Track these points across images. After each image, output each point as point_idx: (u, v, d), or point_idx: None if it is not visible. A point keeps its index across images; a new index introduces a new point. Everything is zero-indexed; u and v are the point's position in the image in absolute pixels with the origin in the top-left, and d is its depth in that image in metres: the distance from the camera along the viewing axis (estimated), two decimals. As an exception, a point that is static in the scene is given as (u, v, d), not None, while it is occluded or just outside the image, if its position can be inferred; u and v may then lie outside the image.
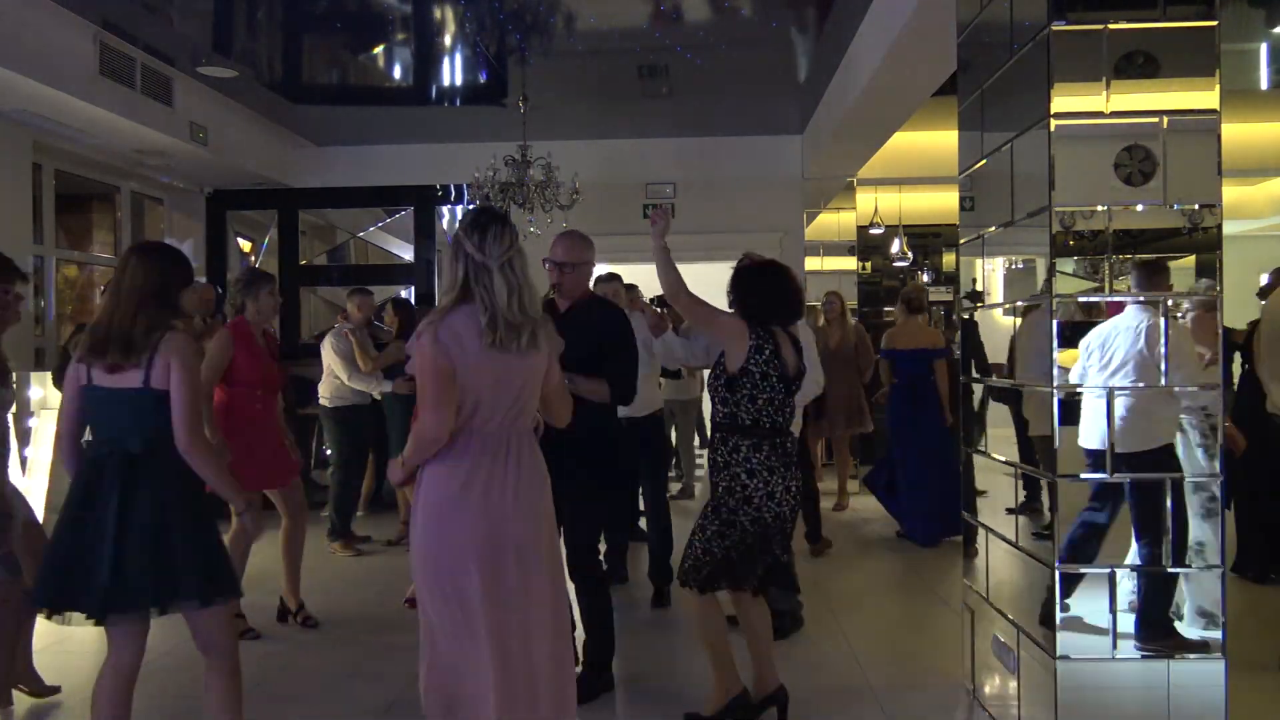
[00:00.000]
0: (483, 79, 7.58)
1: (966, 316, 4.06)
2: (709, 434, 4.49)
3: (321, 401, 6.51)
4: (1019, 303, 3.56)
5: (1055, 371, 3.07)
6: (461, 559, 2.59)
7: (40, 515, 4.50)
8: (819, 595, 5.38)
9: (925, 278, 11.58)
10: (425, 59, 7.22)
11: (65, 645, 4.48)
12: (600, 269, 4.60)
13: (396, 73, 7.56)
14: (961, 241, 4.00)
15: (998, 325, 3.78)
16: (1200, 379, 3.11)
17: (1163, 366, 3.06)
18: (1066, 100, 3.02)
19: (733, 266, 3.68)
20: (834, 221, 11.15)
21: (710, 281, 4.45)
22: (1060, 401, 3.07)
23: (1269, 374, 4.51)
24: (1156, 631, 3.07)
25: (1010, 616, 3.46)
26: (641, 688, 4.04)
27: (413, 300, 8.30)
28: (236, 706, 2.92)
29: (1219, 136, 3.01)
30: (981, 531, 3.79)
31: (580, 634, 3.92)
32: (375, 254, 11.15)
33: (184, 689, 3.87)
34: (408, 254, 9.53)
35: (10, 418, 3.71)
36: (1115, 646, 3.06)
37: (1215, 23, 3.02)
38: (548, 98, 7.73)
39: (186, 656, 3.35)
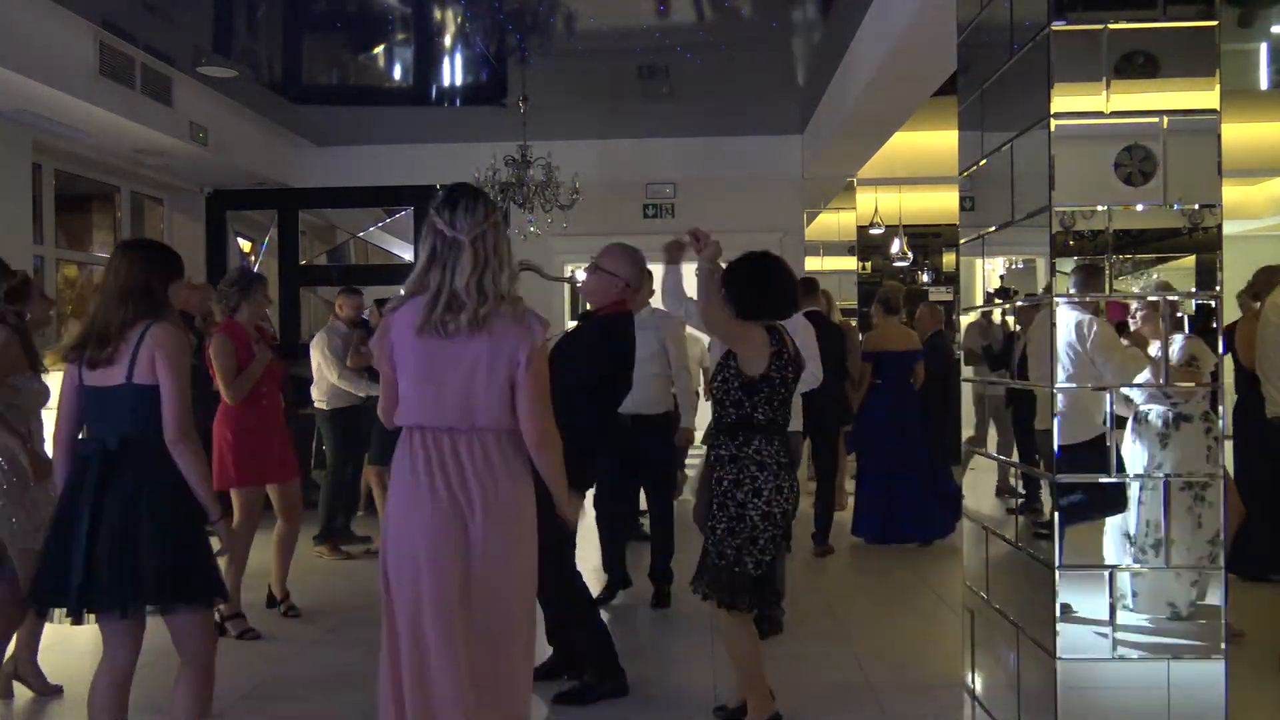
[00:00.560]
0: (483, 79, 7.58)
1: (1000, 316, 3.99)
2: (712, 431, 4.49)
3: (316, 404, 6.51)
4: (1019, 303, 3.56)
5: (1055, 372, 3.07)
6: (393, 559, 2.49)
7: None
8: (818, 595, 5.38)
9: (925, 278, 11.60)
10: (425, 59, 7.22)
11: (68, 645, 4.48)
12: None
13: (396, 73, 7.57)
14: (961, 241, 4.00)
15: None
16: (1132, 375, 3.13)
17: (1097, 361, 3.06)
18: (1066, 100, 3.02)
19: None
20: (834, 221, 11.15)
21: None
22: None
23: (1271, 373, 4.51)
24: None
25: (1010, 616, 3.46)
26: (643, 691, 4.03)
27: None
28: (199, 713, 2.85)
29: (1219, 136, 3.00)
30: (981, 531, 3.79)
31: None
32: (375, 254, 11.15)
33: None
34: (408, 254, 9.54)
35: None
36: (1115, 647, 3.06)
37: (1215, 23, 3.02)
38: (548, 98, 7.73)
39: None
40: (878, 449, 6.73)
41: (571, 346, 3.80)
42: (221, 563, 2.98)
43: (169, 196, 8.75)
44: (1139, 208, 3.04)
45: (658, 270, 4.35)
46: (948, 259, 11.64)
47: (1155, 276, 3.15)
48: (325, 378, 6.35)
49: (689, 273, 3.73)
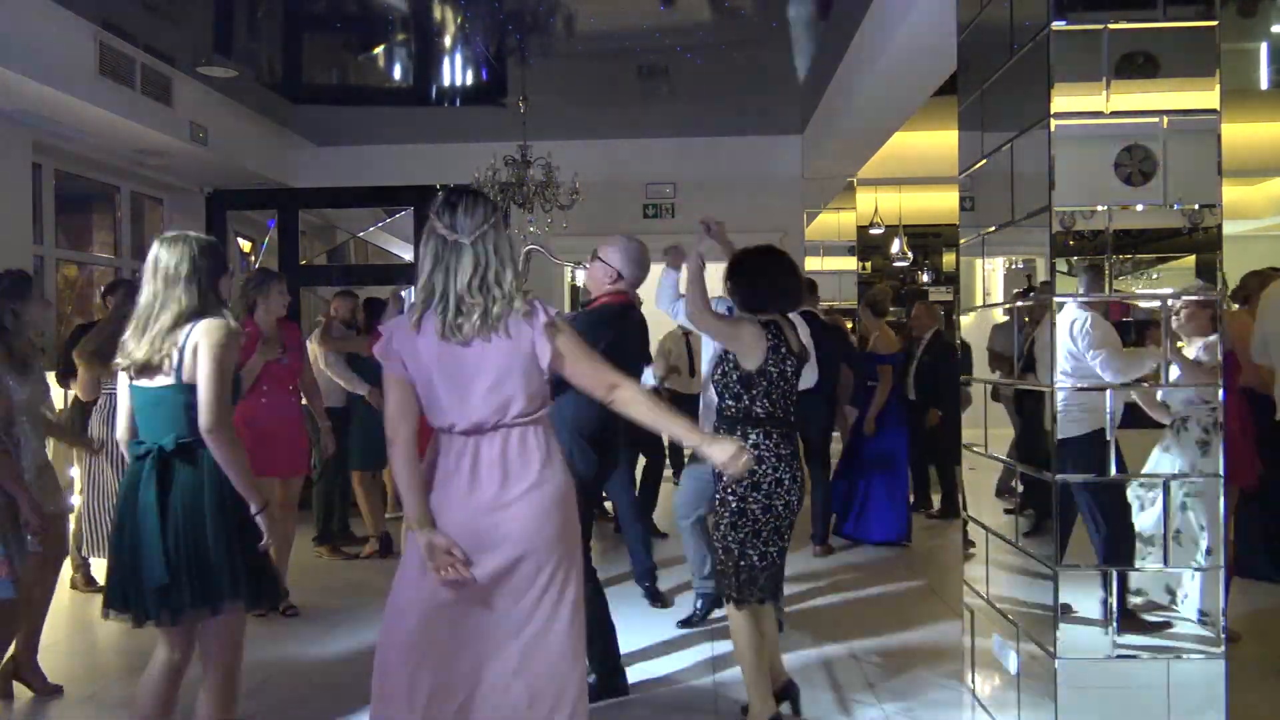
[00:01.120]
0: (483, 79, 7.58)
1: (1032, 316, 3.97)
2: (712, 425, 4.49)
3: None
4: (1019, 302, 3.56)
5: (1055, 371, 3.07)
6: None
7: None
8: (818, 594, 5.38)
9: (925, 278, 11.61)
10: (425, 59, 7.23)
11: (67, 645, 4.48)
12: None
13: (396, 73, 7.57)
14: (961, 241, 4.00)
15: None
16: (1133, 373, 3.10)
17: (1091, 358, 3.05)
18: (1066, 100, 3.02)
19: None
20: (834, 221, 11.16)
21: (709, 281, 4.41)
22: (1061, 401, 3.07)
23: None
24: (1129, 623, 3.07)
25: (1010, 616, 3.46)
26: (644, 691, 4.03)
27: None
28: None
29: (1219, 136, 3.01)
30: (981, 531, 3.79)
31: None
32: (375, 254, 11.15)
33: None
34: (408, 254, 9.54)
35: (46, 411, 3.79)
36: (1115, 646, 3.06)
37: (1215, 23, 3.02)
38: (548, 98, 7.73)
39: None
40: (860, 449, 6.71)
41: None
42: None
43: (169, 196, 8.75)
44: (1139, 208, 3.04)
45: (657, 271, 4.36)
46: (948, 259, 11.65)
47: (1197, 282, 3.13)
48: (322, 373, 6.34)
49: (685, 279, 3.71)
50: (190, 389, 2.72)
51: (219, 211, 8.86)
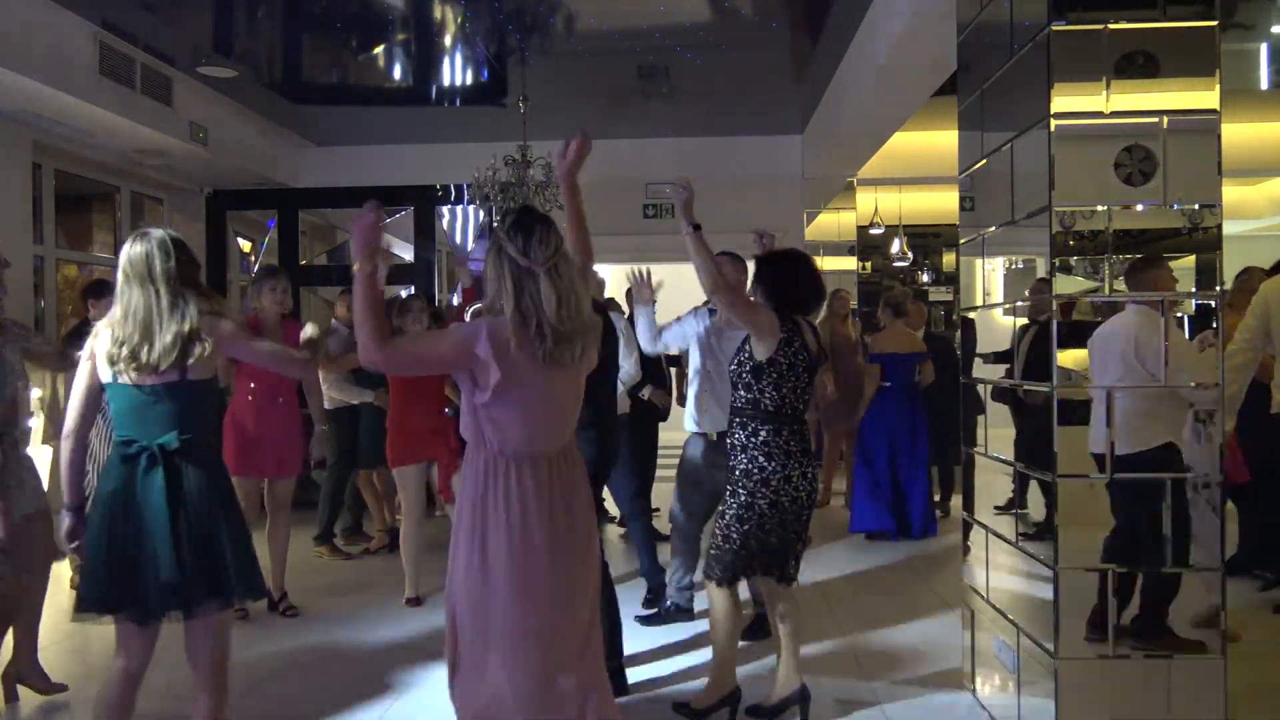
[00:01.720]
0: (483, 79, 7.58)
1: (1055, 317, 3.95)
2: (710, 422, 4.50)
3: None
4: (1019, 302, 3.56)
5: (1055, 371, 3.07)
6: (520, 586, 2.53)
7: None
8: (818, 594, 5.38)
9: (925, 278, 11.59)
10: (425, 59, 7.23)
11: (71, 644, 4.48)
12: (602, 270, 4.56)
13: (396, 73, 7.57)
14: (961, 241, 4.00)
15: (998, 325, 3.77)
16: (1201, 377, 3.10)
17: (1152, 365, 3.05)
18: (1066, 100, 3.02)
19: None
20: (834, 221, 11.16)
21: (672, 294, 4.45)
22: (1060, 402, 3.07)
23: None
24: (1155, 631, 3.07)
25: (1010, 616, 3.46)
26: (644, 691, 4.03)
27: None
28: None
29: (1219, 136, 3.01)
30: (981, 531, 3.79)
31: None
32: (375, 254, 11.12)
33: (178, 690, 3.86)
34: (408, 254, 9.53)
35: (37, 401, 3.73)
36: (1115, 646, 3.06)
37: (1215, 23, 3.02)
38: (548, 98, 7.73)
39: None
40: (884, 449, 6.78)
41: None
42: None
43: (169, 196, 8.75)
44: (1139, 208, 3.04)
45: (638, 305, 4.56)
46: (948, 259, 11.64)
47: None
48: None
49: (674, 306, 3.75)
50: (195, 386, 2.74)
51: (219, 211, 8.88)
